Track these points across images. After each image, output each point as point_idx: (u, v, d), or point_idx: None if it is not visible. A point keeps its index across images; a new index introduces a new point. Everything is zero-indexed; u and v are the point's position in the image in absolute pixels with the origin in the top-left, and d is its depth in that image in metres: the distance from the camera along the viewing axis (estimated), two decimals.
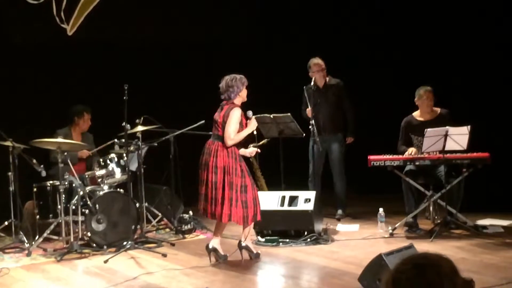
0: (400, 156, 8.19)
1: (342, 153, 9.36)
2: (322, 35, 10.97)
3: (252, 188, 7.25)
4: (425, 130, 7.83)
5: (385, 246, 7.47)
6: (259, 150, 7.63)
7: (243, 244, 7.32)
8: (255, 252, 7.39)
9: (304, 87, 9.22)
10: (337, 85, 9.32)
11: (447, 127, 7.80)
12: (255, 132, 7.48)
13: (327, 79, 9.31)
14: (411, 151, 8.21)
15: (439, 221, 8.31)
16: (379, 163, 8.17)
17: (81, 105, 9.21)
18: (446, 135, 7.76)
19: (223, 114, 7.18)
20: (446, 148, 7.84)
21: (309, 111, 9.11)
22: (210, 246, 7.27)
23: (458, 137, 7.80)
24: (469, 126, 7.81)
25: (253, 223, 7.38)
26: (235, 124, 7.14)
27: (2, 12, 9.67)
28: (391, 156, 8.20)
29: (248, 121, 7.33)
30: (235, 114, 7.13)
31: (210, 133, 7.49)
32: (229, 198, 7.07)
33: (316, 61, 9.22)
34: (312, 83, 9.12)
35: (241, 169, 7.20)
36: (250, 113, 7.35)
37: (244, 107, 7.31)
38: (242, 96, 7.30)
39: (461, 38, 9.90)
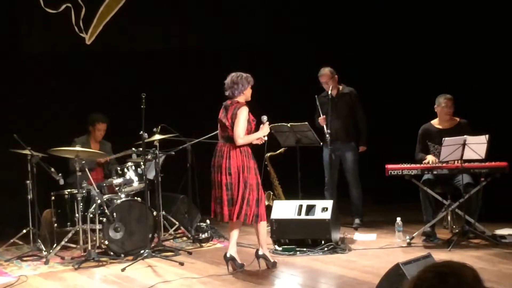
0: (418, 165, 8.15)
1: (355, 162, 9.31)
2: (342, 43, 10.95)
3: (260, 188, 7.24)
4: (443, 139, 7.79)
5: (402, 255, 7.42)
6: (266, 138, 7.45)
7: (261, 253, 7.31)
8: (272, 261, 7.37)
9: (316, 96, 9.20)
10: (350, 94, 9.28)
11: (465, 136, 7.76)
12: (266, 138, 7.40)
13: (340, 87, 9.27)
14: (430, 160, 8.17)
15: (457, 230, 8.25)
16: (396, 172, 8.14)
17: (95, 114, 9.25)
18: (464, 144, 7.72)
19: (230, 115, 7.13)
20: (464, 157, 7.80)
21: (321, 119, 9.09)
22: (228, 255, 7.26)
23: (476, 146, 7.76)
24: (487, 135, 7.77)
25: (265, 230, 7.36)
26: (244, 123, 7.09)
27: (22, 21, 9.74)
28: (408, 165, 8.16)
29: (261, 125, 7.28)
30: (243, 113, 7.09)
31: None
32: (244, 198, 7.06)
33: (323, 71, 9.16)
34: (329, 92, 9.09)
35: (254, 167, 7.18)
36: (264, 118, 7.31)
37: (259, 111, 7.26)
38: (246, 94, 7.25)
39: (481, 47, 9.86)
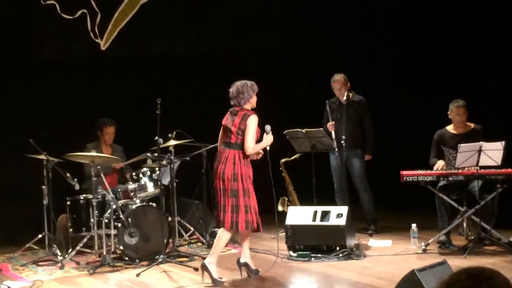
0: (433, 172, 8.12)
1: (363, 168, 9.28)
2: (355, 49, 10.96)
3: (253, 196, 7.11)
4: (459, 145, 7.76)
5: (418, 262, 7.39)
6: (268, 148, 7.33)
7: (242, 261, 7.28)
8: (254, 268, 7.30)
9: (327, 101, 9.20)
10: (359, 102, 9.26)
11: (481, 142, 7.73)
12: (268, 148, 7.28)
13: (351, 95, 9.25)
14: (439, 165, 8.14)
15: (472, 237, 8.23)
16: (412, 178, 8.11)
17: (102, 118, 9.26)
18: (480, 151, 7.69)
19: (238, 121, 7.05)
20: (480, 164, 7.76)
21: (330, 125, 9.08)
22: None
23: (492, 153, 7.72)
24: (503, 142, 7.73)
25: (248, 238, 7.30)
26: (254, 133, 7.02)
27: (38, 27, 9.79)
28: (424, 172, 8.13)
29: (265, 134, 7.20)
30: (253, 122, 7.01)
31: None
32: (249, 205, 7.00)
33: (337, 78, 9.16)
34: (343, 98, 9.08)
35: (248, 175, 7.08)
36: (268, 127, 7.23)
37: (263, 121, 7.22)
38: (252, 103, 7.18)
39: (496, 52, 9.83)
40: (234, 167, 7.00)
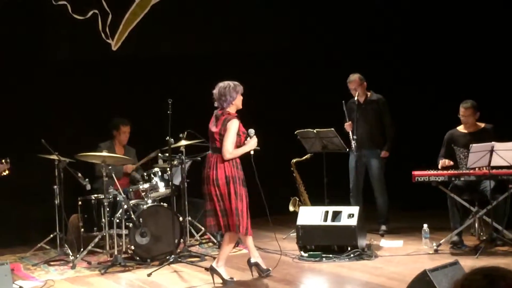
0: (445, 172, 8.08)
1: (381, 169, 9.26)
2: (366, 50, 10.94)
3: (244, 199, 7.02)
4: (471, 145, 7.74)
5: (429, 262, 7.37)
6: (252, 153, 7.13)
7: (253, 261, 7.26)
8: (265, 268, 7.29)
9: (343, 101, 9.17)
10: (378, 101, 9.24)
11: (493, 142, 7.70)
12: (252, 152, 7.12)
13: (369, 94, 9.25)
14: (444, 163, 8.11)
15: (484, 237, 8.20)
16: (423, 178, 8.08)
17: (117, 118, 9.29)
18: (492, 151, 7.66)
19: (220, 126, 6.95)
20: (492, 164, 7.73)
21: (347, 125, 9.08)
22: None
23: (505, 153, 7.69)
24: None
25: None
26: (233, 137, 6.90)
27: (49, 27, 9.81)
28: (435, 172, 8.11)
29: (248, 138, 7.07)
30: (233, 127, 6.90)
31: (256, 147, 7.47)
32: (237, 208, 6.90)
33: (352, 78, 9.15)
34: (355, 98, 9.08)
35: (242, 178, 7.00)
36: (252, 131, 7.10)
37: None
38: (236, 104, 7.05)
39: (507, 52, 9.80)
40: (226, 170, 6.91)
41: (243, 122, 7.13)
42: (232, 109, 7.05)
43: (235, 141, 6.94)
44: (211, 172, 6.96)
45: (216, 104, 7.09)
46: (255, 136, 7.11)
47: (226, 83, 7.05)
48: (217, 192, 6.94)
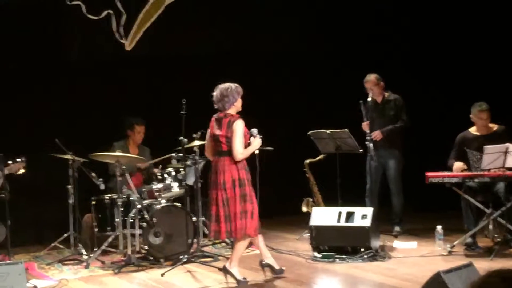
0: (459, 173, 8.06)
1: (398, 170, 9.25)
2: (382, 50, 10.93)
3: (253, 200, 6.99)
4: (484, 147, 7.71)
5: (443, 264, 7.36)
6: (257, 152, 7.16)
7: (265, 262, 7.26)
8: (278, 268, 7.28)
9: (361, 101, 9.15)
10: (395, 101, 9.23)
11: (507, 144, 7.68)
12: (256, 152, 7.14)
13: (386, 94, 9.24)
14: (458, 168, 8.08)
15: (499, 239, 8.17)
16: (437, 180, 8.05)
17: (132, 117, 9.31)
18: (506, 152, 7.64)
19: (225, 129, 6.91)
20: (506, 165, 7.71)
21: (365, 125, 9.07)
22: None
23: None
24: None
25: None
26: (241, 137, 6.86)
27: (63, 27, 9.84)
28: (449, 173, 8.08)
29: (251, 138, 7.04)
30: (240, 127, 6.86)
31: (268, 148, 7.46)
32: (244, 211, 6.87)
33: (369, 77, 9.15)
34: (370, 98, 9.08)
35: (248, 179, 6.95)
36: (255, 131, 7.07)
37: (250, 124, 7.07)
38: (237, 106, 7.02)
39: None
40: (233, 173, 6.87)
41: (256, 122, 7.14)
42: (233, 111, 7.01)
43: (243, 141, 6.92)
44: (218, 177, 6.93)
45: (216, 106, 7.06)
46: (258, 136, 7.09)
47: (227, 84, 7.03)
48: (224, 197, 6.90)
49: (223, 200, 6.90)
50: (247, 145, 6.99)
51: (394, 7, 11.08)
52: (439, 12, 10.86)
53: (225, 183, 6.88)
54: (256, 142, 7.05)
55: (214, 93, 7.05)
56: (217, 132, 6.99)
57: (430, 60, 10.86)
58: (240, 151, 6.85)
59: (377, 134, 9.10)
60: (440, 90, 10.69)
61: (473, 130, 8.39)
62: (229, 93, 6.97)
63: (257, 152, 7.14)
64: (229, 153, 6.90)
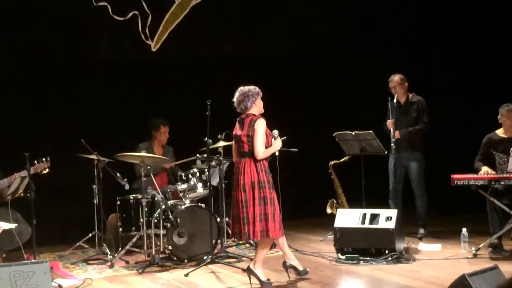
0: (485, 176, 7.99)
1: (420, 172, 9.19)
2: (407, 50, 10.89)
3: (275, 203, 6.94)
4: (511, 149, 7.65)
5: (468, 266, 7.32)
6: (277, 154, 7.13)
7: (288, 263, 7.23)
8: (301, 269, 7.26)
9: (389, 98, 9.10)
10: (418, 103, 9.17)
11: None
12: (277, 153, 7.10)
13: (410, 96, 9.20)
14: (484, 171, 8.02)
15: None
16: (462, 182, 7.99)
17: (157, 118, 9.36)
18: None
19: (246, 128, 6.91)
20: None
21: (389, 122, 9.03)
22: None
23: None
24: None
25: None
26: (263, 136, 6.85)
27: (90, 28, 9.90)
28: (475, 175, 8.02)
29: (273, 139, 7.01)
30: (261, 126, 6.85)
31: (292, 149, 7.44)
32: (263, 213, 6.83)
33: (393, 78, 9.13)
34: (394, 99, 9.04)
35: (269, 181, 6.92)
36: (276, 132, 7.05)
37: (272, 125, 7.06)
38: (258, 106, 7.04)
39: None
40: (252, 175, 6.86)
41: (280, 123, 7.14)
42: (255, 111, 7.02)
43: (265, 141, 6.91)
44: (239, 177, 6.94)
45: (238, 109, 7.09)
46: (279, 138, 7.08)
47: (246, 87, 7.06)
48: (243, 198, 6.89)
49: (242, 201, 6.90)
50: (269, 146, 6.98)
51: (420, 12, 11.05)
52: (464, 12, 10.80)
53: (245, 184, 6.88)
54: (277, 143, 7.04)
55: (235, 97, 7.08)
56: (239, 132, 7.01)
57: (456, 61, 10.80)
58: (261, 150, 6.85)
59: (396, 134, 9.07)
60: (466, 92, 10.62)
61: (500, 132, 8.33)
62: (248, 93, 7.00)
63: (277, 154, 7.12)
64: (250, 154, 6.90)
